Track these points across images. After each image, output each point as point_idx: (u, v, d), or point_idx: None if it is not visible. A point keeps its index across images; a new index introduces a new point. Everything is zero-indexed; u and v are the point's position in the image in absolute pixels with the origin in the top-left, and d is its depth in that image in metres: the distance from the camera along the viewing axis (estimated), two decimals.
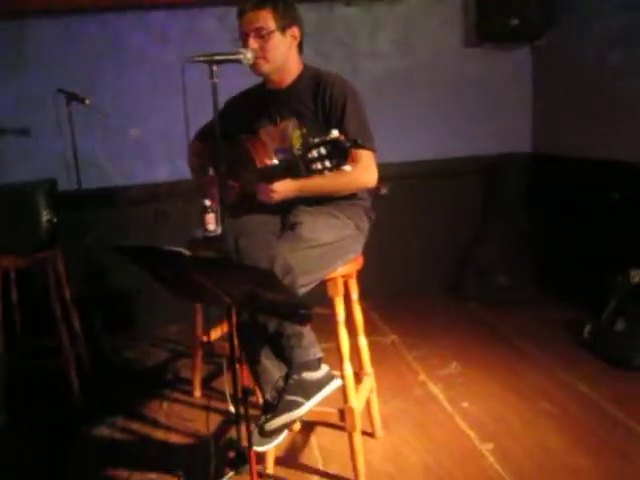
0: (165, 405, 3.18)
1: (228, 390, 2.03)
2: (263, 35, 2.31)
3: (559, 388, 3.00)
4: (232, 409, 2.01)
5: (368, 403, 2.68)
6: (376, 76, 4.19)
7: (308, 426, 2.79)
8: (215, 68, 2.09)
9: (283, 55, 2.37)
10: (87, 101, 3.33)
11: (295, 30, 2.38)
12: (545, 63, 4.26)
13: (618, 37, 3.53)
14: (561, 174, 4.11)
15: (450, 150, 4.33)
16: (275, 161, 2.28)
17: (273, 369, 2.19)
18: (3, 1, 3.67)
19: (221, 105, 2.55)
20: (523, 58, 4.36)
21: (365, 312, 2.65)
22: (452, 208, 4.37)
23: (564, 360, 3.25)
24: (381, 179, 2.40)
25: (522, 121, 4.44)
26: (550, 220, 4.20)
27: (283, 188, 2.24)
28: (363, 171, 2.33)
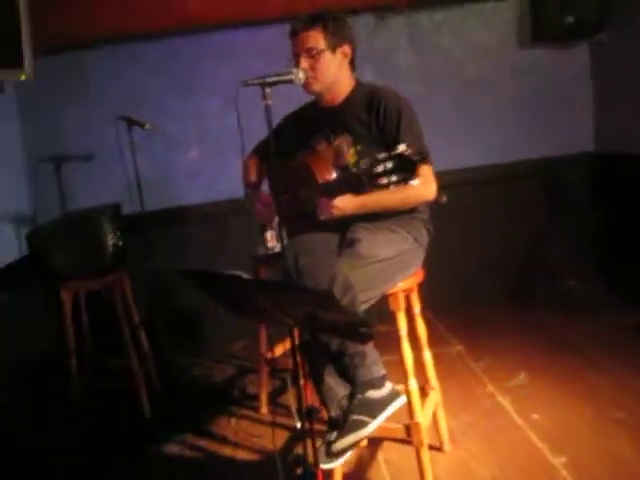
0: (233, 421, 3.22)
1: (294, 407, 2.03)
2: (314, 55, 2.32)
3: (632, 396, 2.89)
4: (298, 425, 2.01)
5: (435, 416, 2.65)
6: (431, 81, 4.17)
7: (375, 442, 2.78)
8: (268, 90, 2.11)
9: (334, 74, 2.38)
10: (147, 126, 3.41)
11: (346, 48, 2.39)
12: (604, 60, 4.15)
13: None
14: (627, 172, 3.98)
15: (510, 154, 4.25)
16: (335, 176, 2.27)
17: (337, 387, 2.19)
18: (68, 33, 3.80)
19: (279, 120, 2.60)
20: (581, 56, 4.25)
21: (429, 322, 2.62)
22: (511, 213, 4.28)
23: (637, 367, 3.13)
24: (439, 188, 2.37)
25: (583, 120, 4.32)
26: (618, 220, 4.07)
27: (343, 204, 2.22)
28: (424, 185, 2.29)
